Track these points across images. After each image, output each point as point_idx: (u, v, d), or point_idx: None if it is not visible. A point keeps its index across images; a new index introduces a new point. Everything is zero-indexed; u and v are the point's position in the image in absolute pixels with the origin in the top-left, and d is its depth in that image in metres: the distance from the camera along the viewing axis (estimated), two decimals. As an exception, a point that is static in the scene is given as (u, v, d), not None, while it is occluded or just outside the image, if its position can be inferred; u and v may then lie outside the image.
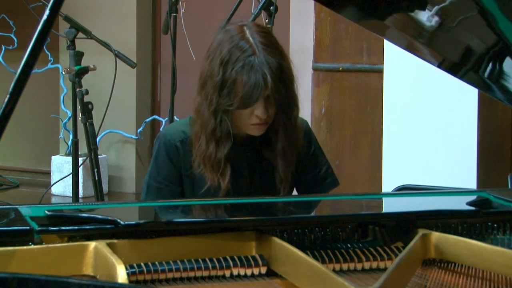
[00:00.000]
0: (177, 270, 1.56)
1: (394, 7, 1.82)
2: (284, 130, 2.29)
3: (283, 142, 2.30)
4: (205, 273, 1.58)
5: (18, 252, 1.50)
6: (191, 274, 1.57)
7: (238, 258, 1.60)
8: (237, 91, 2.20)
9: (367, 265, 1.66)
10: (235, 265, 1.60)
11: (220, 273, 1.59)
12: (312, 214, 1.97)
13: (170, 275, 1.56)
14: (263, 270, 1.61)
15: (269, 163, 2.33)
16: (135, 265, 1.53)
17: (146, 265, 1.54)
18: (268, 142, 2.32)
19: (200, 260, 1.59)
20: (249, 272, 1.60)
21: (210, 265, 1.58)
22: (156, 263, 1.55)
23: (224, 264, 1.59)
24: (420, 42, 1.94)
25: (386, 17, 1.85)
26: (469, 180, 3.51)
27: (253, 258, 1.61)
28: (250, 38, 2.23)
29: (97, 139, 4.11)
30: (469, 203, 2.00)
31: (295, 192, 2.47)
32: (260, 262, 1.61)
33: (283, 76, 2.23)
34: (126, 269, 1.47)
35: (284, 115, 2.28)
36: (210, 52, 2.27)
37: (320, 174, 2.44)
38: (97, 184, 3.89)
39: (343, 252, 1.68)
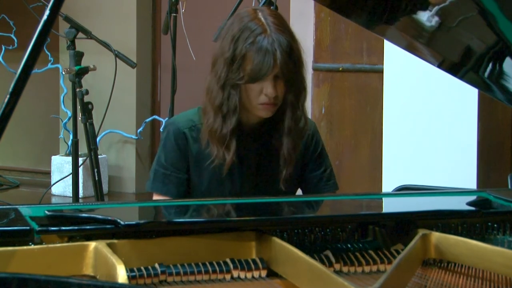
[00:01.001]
0: (177, 274, 1.56)
1: (395, 8, 1.82)
2: (292, 111, 2.30)
3: (290, 122, 2.30)
4: (205, 277, 1.57)
5: (18, 252, 1.50)
6: (191, 278, 1.57)
7: (238, 261, 1.60)
8: (246, 65, 2.22)
9: (367, 269, 1.65)
10: (235, 268, 1.59)
11: (220, 276, 1.59)
12: (312, 214, 1.97)
13: (170, 279, 1.56)
14: (263, 273, 1.60)
15: (276, 153, 2.34)
16: (135, 269, 1.53)
17: (146, 269, 1.54)
18: (276, 130, 2.33)
19: (200, 264, 1.59)
20: (249, 275, 1.60)
21: (210, 269, 1.58)
22: (156, 266, 1.55)
23: (224, 268, 1.59)
24: (420, 42, 1.94)
25: (389, 18, 1.85)
26: (469, 180, 3.51)
27: (253, 261, 1.61)
28: (262, 19, 2.26)
29: (97, 139, 4.11)
30: (469, 203, 2.00)
31: (298, 192, 2.48)
32: (260, 265, 1.60)
33: (292, 56, 2.25)
34: (126, 271, 1.47)
35: (293, 96, 2.29)
36: (222, 34, 2.31)
37: (323, 175, 2.44)
38: (97, 184, 3.89)
39: (343, 255, 1.67)
